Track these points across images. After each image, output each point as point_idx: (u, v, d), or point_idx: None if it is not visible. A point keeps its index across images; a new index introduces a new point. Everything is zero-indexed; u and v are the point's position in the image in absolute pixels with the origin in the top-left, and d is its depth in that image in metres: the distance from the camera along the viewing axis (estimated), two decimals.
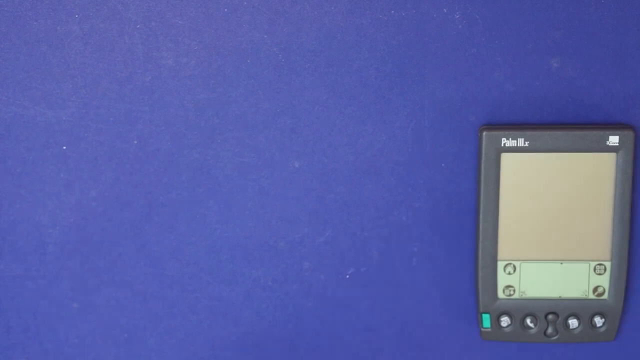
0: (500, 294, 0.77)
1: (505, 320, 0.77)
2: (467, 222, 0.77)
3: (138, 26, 0.73)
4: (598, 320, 0.77)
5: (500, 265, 0.76)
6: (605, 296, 0.77)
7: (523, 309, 0.77)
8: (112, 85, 0.74)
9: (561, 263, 0.76)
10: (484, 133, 0.74)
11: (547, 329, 0.77)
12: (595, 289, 0.77)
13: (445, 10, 0.73)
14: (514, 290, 0.77)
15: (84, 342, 0.79)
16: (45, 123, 0.75)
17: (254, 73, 0.74)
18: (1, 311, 0.78)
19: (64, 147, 0.75)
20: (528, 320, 0.77)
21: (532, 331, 0.77)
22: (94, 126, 0.75)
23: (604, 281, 0.76)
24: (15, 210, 0.76)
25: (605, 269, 0.76)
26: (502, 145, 0.74)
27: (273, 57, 0.74)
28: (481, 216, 0.75)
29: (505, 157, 0.74)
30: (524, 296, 0.77)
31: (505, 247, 0.76)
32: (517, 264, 0.76)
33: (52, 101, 0.75)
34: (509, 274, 0.76)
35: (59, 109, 0.75)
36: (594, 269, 0.76)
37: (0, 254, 0.77)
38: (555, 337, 0.78)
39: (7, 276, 0.77)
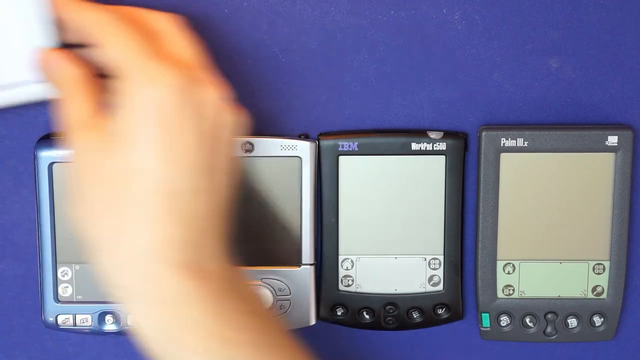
0: (500, 294, 0.77)
1: (504, 320, 0.77)
2: (466, 222, 0.77)
3: None
4: (597, 320, 0.77)
5: (500, 264, 0.76)
6: (604, 296, 0.77)
7: (522, 309, 0.77)
8: None
9: (560, 263, 0.76)
10: (483, 133, 0.74)
11: (546, 328, 0.77)
12: (594, 289, 0.77)
13: (445, 10, 0.73)
14: (513, 290, 0.77)
15: (85, 341, 0.79)
16: (46, 123, 0.75)
17: (254, 73, 0.74)
18: (3, 310, 0.78)
19: None
20: (527, 320, 0.77)
21: (532, 330, 0.78)
22: None
23: (602, 281, 0.77)
24: (15, 210, 0.76)
25: (604, 269, 0.76)
26: (502, 145, 0.74)
27: (273, 57, 0.74)
28: (480, 216, 0.76)
29: (505, 157, 0.75)
30: (523, 296, 0.77)
31: (505, 246, 0.76)
32: (516, 263, 0.76)
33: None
34: (509, 273, 0.77)
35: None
36: (593, 269, 0.76)
37: (1, 254, 0.77)
38: (554, 337, 0.78)
39: (8, 275, 0.77)
